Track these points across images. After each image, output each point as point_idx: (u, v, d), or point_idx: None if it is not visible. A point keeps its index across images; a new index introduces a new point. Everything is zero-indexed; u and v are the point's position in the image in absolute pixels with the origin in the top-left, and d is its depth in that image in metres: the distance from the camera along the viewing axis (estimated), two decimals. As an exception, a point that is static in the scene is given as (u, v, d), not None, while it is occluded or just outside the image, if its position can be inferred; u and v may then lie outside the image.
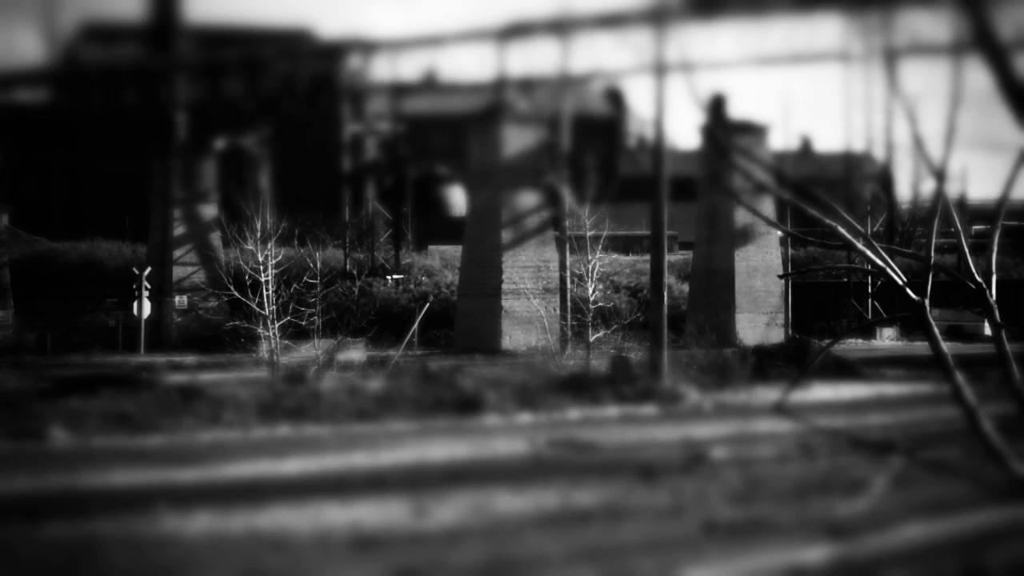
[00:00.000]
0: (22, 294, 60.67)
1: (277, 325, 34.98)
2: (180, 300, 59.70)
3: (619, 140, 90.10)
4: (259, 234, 37.64)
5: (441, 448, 21.92)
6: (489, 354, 48.31)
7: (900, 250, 9.91)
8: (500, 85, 54.73)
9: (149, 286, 55.88)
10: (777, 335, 53.84)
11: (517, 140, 54.42)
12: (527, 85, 55.04)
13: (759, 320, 54.94)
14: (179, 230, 60.67)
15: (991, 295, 8.56)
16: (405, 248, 67.94)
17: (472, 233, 55.36)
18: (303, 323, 36.19)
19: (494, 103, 55.29)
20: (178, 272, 60.12)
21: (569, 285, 48.12)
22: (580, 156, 59.77)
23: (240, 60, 60.64)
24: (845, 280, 62.60)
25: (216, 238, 60.02)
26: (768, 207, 45.33)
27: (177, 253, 60.41)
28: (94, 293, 61.23)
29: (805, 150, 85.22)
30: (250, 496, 17.18)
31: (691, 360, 35.48)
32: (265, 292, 35.38)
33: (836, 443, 19.71)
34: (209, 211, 61.06)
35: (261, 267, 36.05)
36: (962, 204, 72.14)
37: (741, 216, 53.86)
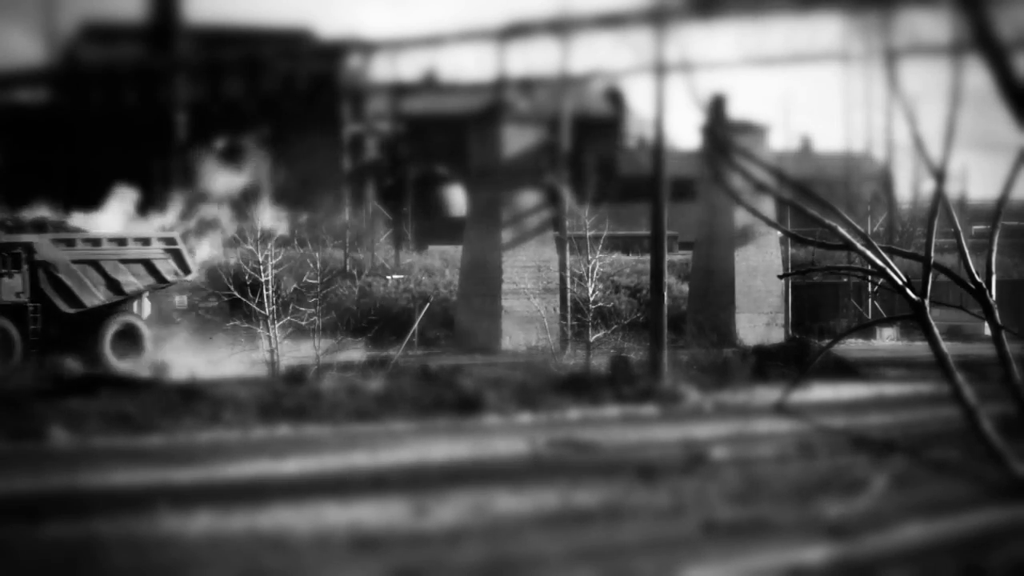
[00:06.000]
0: (22, 294, 60.57)
1: (277, 325, 34.99)
2: (180, 300, 59.66)
3: (619, 140, 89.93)
4: (259, 234, 37.64)
5: (441, 448, 21.91)
6: (489, 354, 48.27)
7: (900, 250, 9.89)
8: (500, 85, 54.71)
9: (149, 286, 55.77)
10: (777, 335, 53.79)
11: (517, 140, 54.36)
12: (527, 85, 55.02)
13: (759, 320, 54.87)
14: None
15: (991, 295, 8.55)
16: (405, 248, 67.88)
17: (472, 233, 55.31)
18: (303, 323, 36.19)
19: (494, 103, 55.25)
20: (178, 272, 60.02)
21: (569, 285, 48.13)
22: (580, 156, 59.75)
23: (240, 60, 60.66)
24: (845, 280, 62.56)
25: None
26: (768, 207, 45.25)
27: (177, 253, 60.30)
28: (94, 293, 61.08)
29: (805, 150, 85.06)
30: (250, 496, 17.18)
31: (691, 360, 35.47)
32: (265, 292, 35.38)
33: (836, 443, 19.69)
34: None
35: (261, 267, 36.05)
36: (962, 204, 72.07)
37: (741, 216, 53.78)
